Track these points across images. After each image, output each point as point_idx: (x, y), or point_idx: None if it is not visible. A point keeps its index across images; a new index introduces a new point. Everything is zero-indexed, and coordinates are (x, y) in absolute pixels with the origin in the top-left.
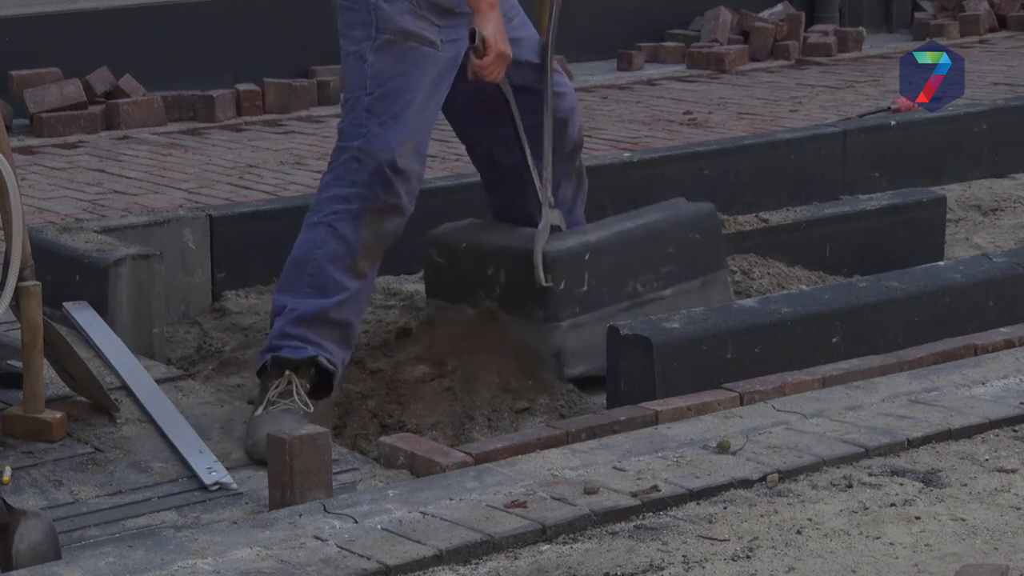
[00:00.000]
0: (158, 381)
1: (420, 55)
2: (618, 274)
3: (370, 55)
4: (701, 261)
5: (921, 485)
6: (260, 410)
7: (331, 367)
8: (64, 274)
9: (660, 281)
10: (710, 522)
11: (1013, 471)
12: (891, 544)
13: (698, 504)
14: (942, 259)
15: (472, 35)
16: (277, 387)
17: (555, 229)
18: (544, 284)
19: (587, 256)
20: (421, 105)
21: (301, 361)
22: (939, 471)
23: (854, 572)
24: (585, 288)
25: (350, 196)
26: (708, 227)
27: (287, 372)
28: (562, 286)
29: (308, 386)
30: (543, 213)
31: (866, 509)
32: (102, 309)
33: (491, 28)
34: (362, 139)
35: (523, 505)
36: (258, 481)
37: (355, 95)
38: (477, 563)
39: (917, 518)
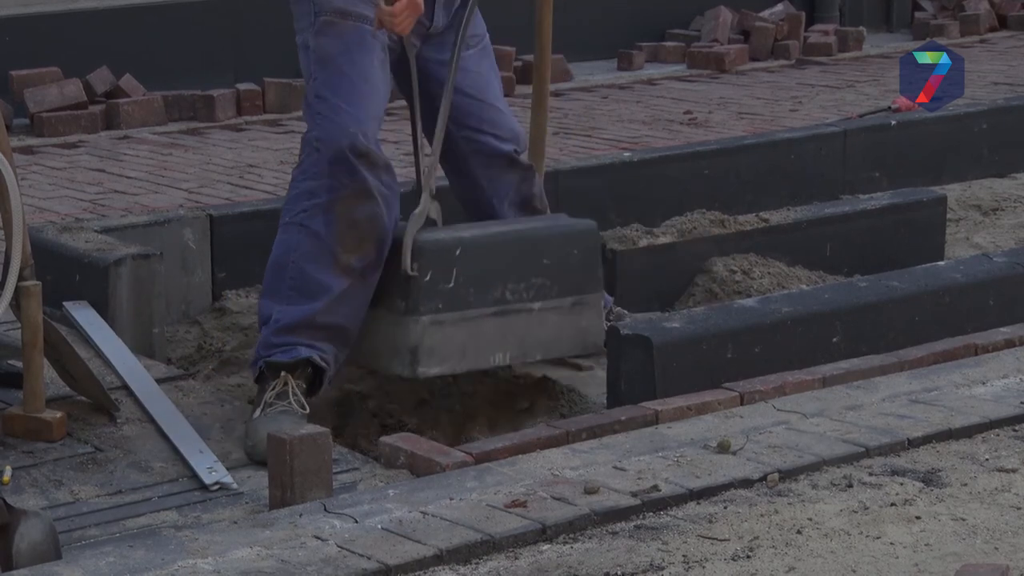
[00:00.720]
0: (158, 381)
1: (362, 33)
2: (488, 276)
3: (312, 40)
4: (576, 279)
5: (921, 485)
6: (258, 412)
7: (324, 364)
8: (64, 274)
9: (530, 292)
10: (710, 522)
11: (1013, 471)
12: (891, 544)
13: (698, 504)
14: (942, 259)
15: None
16: (273, 388)
17: (432, 223)
18: (410, 272)
19: (458, 251)
20: (371, 84)
21: (294, 363)
22: (939, 471)
23: (854, 572)
24: (451, 285)
25: (316, 189)
26: (587, 245)
27: (283, 373)
28: (427, 278)
29: (304, 386)
30: (422, 200)
31: (866, 509)
32: (102, 309)
33: None
34: (318, 128)
35: (523, 505)
36: (258, 481)
37: (309, 82)
38: (477, 563)
39: (917, 518)
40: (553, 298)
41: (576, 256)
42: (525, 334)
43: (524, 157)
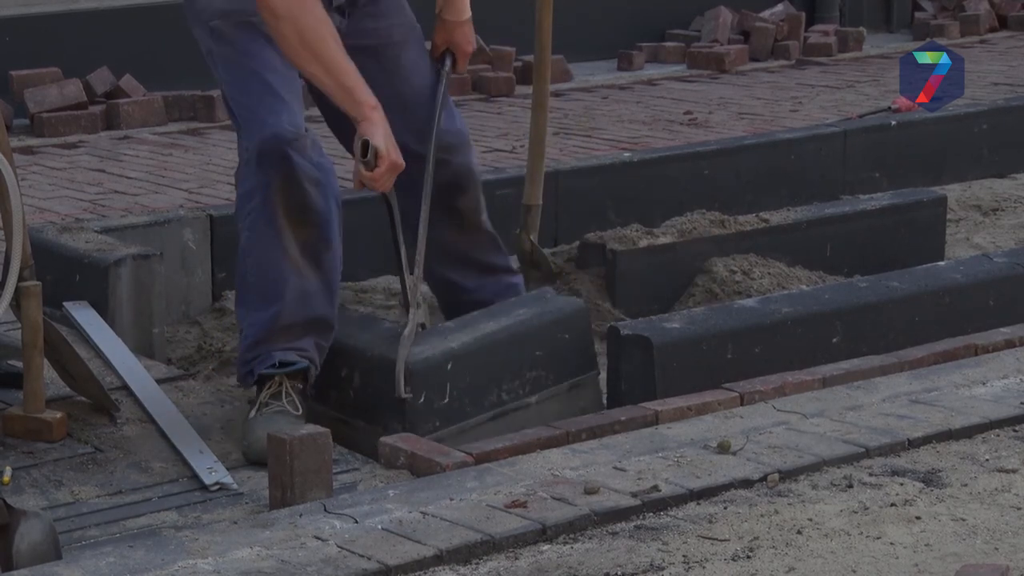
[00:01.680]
0: (158, 381)
1: (248, 26)
2: (482, 383)
3: (213, 46)
4: (570, 363)
5: (921, 485)
6: (253, 412)
7: (302, 360)
8: (64, 274)
9: (526, 388)
10: (710, 522)
11: (1013, 471)
12: (891, 544)
13: (698, 504)
14: (942, 259)
15: (364, 147)
16: (269, 388)
17: (421, 327)
18: (404, 396)
19: (449, 366)
20: (277, 72)
21: (275, 371)
22: (939, 471)
23: (854, 572)
24: (446, 400)
25: (251, 190)
26: (578, 327)
27: (275, 376)
28: (422, 399)
29: (300, 386)
30: (410, 315)
31: (866, 509)
32: (102, 309)
33: (381, 135)
34: (245, 137)
35: (523, 505)
36: (258, 481)
37: (223, 89)
38: (477, 563)
39: (917, 518)
40: (550, 387)
41: (568, 340)
42: (525, 428)
43: (461, 158)
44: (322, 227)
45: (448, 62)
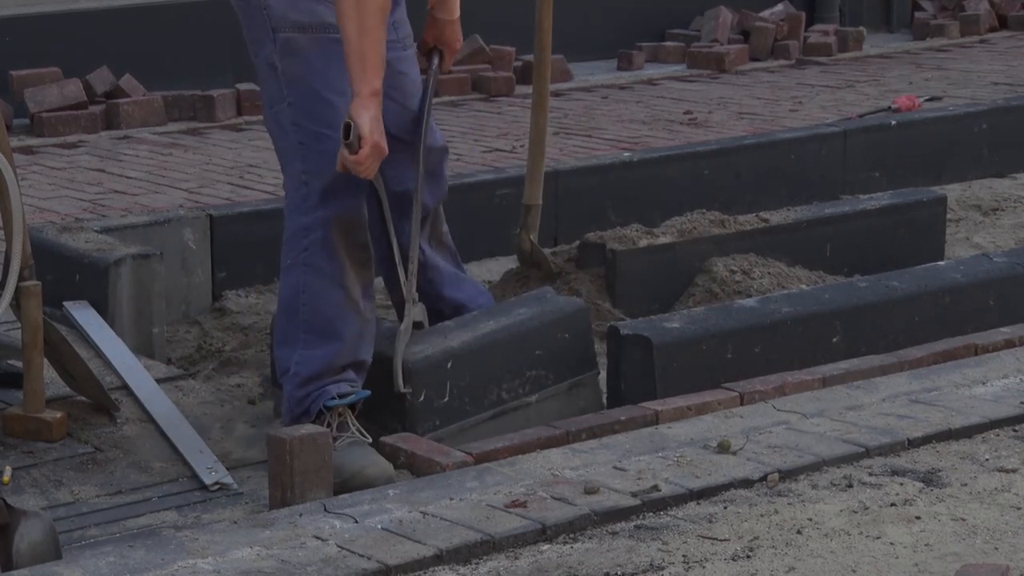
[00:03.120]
0: (158, 381)
1: (327, 43)
2: (482, 382)
3: (277, 60)
4: (570, 363)
5: (921, 485)
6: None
7: (362, 392)
8: (64, 274)
9: (526, 387)
10: (710, 522)
11: (1013, 471)
12: (891, 544)
13: (698, 504)
14: (942, 259)
15: (347, 129)
16: (331, 425)
17: (417, 326)
18: (403, 391)
19: (449, 364)
20: (348, 97)
21: (339, 403)
22: (939, 471)
23: (854, 572)
24: (446, 399)
25: (311, 225)
26: (578, 326)
27: (336, 408)
28: (421, 398)
29: (355, 412)
30: (406, 310)
31: (866, 509)
32: (102, 309)
33: (368, 119)
34: (303, 160)
35: (523, 505)
36: (258, 481)
37: (278, 107)
38: (477, 563)
39: (917, 518)
40: (549, 386)
41: (568, 340)
42: (525, 427)
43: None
44: (372, 267)
45: (436, 59)
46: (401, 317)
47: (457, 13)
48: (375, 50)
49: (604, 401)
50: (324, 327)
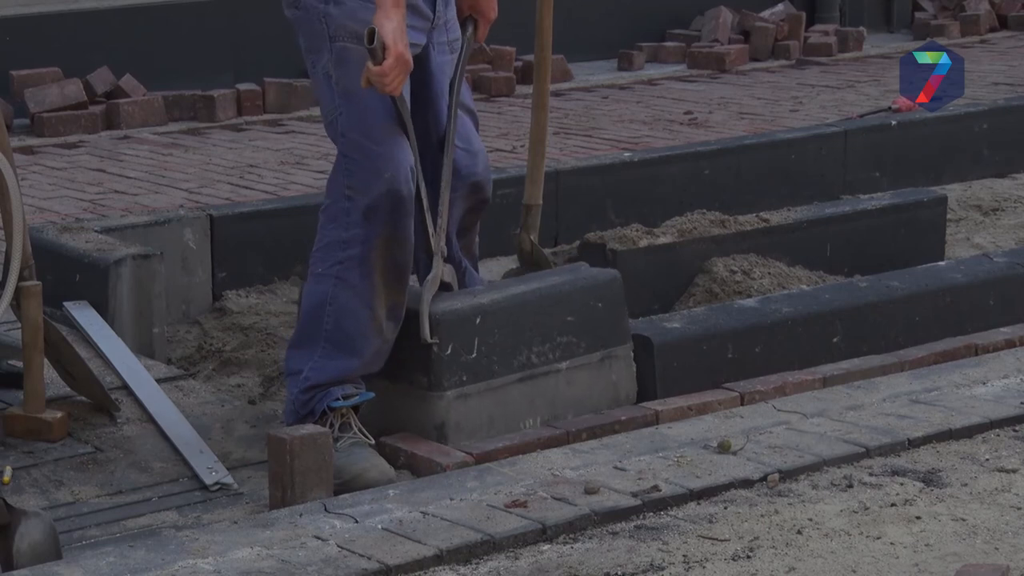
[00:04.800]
0: (159, 381)
1: None
2: (511, 342)
3: (332, 69)
4: (602, 333)
5: (922, 485)
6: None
7: (367, 393)
8: (65, 274)
9: (556, 352)
10: (711, 522)
11: (1013, 471)
12: (891, 544)
13: (699, 504)
14: (943, 259)
15: (370, 35)
16: (333, 426)
17: (445, 287)
18: (429, 340)
19: (478, 320)
20: (401, 116)
21: (342, 404)
22: (939, 471)
23: (854, 572)
24: (474, 355)
25: (350, 240)
26: (611, 296)
27: (339, 409)
28: (448, 351)
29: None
30: (434, 263)
31: (866, 509)
32: (103, 309)
33: (391, 28)
34: (349, 174)
35: (524, 505)
36: (259, 481)
37: (332, 116)
38: (478, 563)
39: (917, 518)
40: (581, 355)
41: (601, 309)
42: (555, 396)
43: (479, 173)
44: (407, 291)
45: (471, 28)
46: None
47: None
48: None
49: (633, 375)
50: (345, 342)
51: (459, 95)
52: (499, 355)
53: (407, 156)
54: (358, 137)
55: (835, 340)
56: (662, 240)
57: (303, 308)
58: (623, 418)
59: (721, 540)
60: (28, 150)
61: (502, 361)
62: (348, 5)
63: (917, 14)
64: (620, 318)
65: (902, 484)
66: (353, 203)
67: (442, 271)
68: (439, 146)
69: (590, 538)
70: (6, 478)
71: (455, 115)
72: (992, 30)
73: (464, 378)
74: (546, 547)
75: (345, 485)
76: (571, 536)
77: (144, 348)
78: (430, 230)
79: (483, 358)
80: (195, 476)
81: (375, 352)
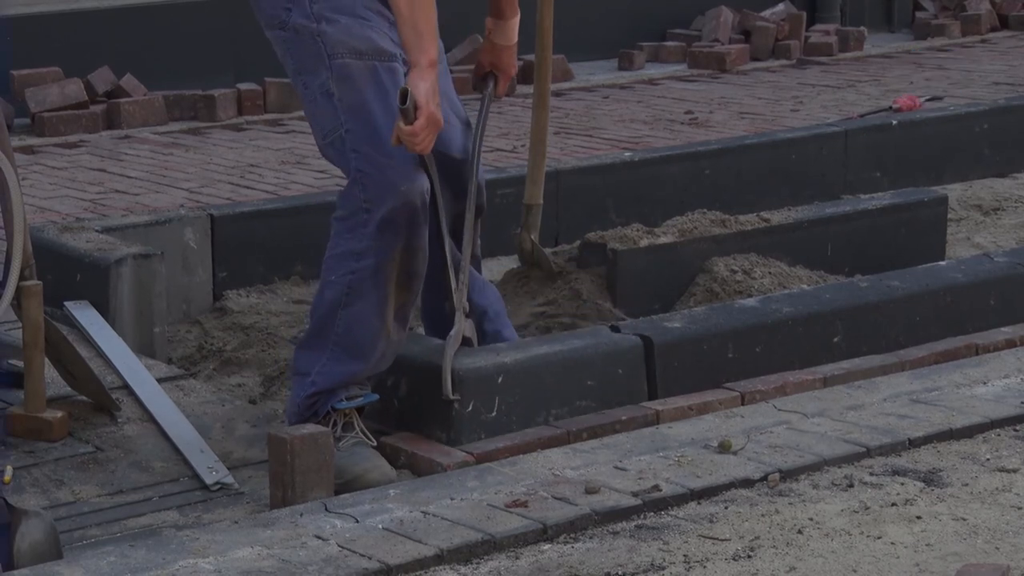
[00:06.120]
0: (159, 380)
1: (388, 70)
2: (531, 403)
3: (334, 87)
4: (620, 399)
5: (922, 485)
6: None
7: (372, 395)
8: (65, 273)
9: (574, 415)
10: (711, 522)
11: (1014, 471)
12: (892, 544)
13: (699, 504)
14: (943, 259)
15: (403, 95)
16: (337, 425)
17: (466, 342)
18: (451, 397)
19: (500, 379)
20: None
21: (347, 405)
22: (940, 471)
23: (855, 572)
24: (494, 414)
25: (364, 251)
26: (631, 363)
27: (343, 409)
28: (469, 408)
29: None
30: (456, 318)
31: (867, 509)
32: (103, 308)
33: (424, 89)
34: (364, 188)
35: (524, 505)
36: (259, 480)
37: (336, 135)
38: (478, 563)
39: (918, 518)
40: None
41: (621, 375)
42: None
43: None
44: (419, 291)
45: (491, 84)
46: (444, 329)
47: (515, 39)
48: (427, 19)
49: None
50: (353, 348)
51: (480, 147)
52: (518, 415)
53: (419, 171)
54: (371, 151)
55: (836, 340)
56: (663, 240)
57: (314, 310)
58: (623, 418)
59: (722, 540)
60: (29, 150)
61: (521, 422)
62: (342, 23)
63: (918, 14)
64: (638, 383)
65: (903, 484)
66: (369, 216)
67: (464, 327)
68: (441, 157)
69: (591, 538)
70: (7, 477)
71: (477, 169)
72: (993, 30)
73: (483, 436)
74: (547, 547)
75: (346, 485)
76: (572, 536)
77: (145, 348)
78: (452, 286)
79: (503, 417)
80: (196, 476)
81: (381, 355)
